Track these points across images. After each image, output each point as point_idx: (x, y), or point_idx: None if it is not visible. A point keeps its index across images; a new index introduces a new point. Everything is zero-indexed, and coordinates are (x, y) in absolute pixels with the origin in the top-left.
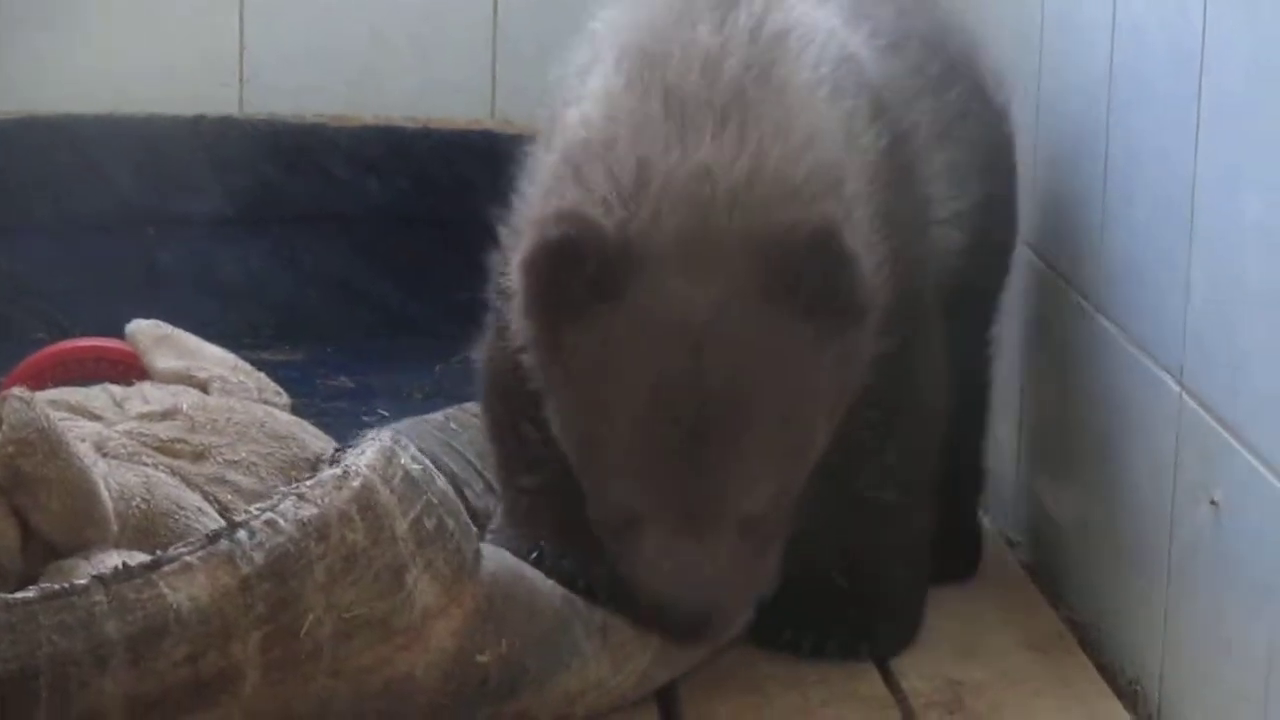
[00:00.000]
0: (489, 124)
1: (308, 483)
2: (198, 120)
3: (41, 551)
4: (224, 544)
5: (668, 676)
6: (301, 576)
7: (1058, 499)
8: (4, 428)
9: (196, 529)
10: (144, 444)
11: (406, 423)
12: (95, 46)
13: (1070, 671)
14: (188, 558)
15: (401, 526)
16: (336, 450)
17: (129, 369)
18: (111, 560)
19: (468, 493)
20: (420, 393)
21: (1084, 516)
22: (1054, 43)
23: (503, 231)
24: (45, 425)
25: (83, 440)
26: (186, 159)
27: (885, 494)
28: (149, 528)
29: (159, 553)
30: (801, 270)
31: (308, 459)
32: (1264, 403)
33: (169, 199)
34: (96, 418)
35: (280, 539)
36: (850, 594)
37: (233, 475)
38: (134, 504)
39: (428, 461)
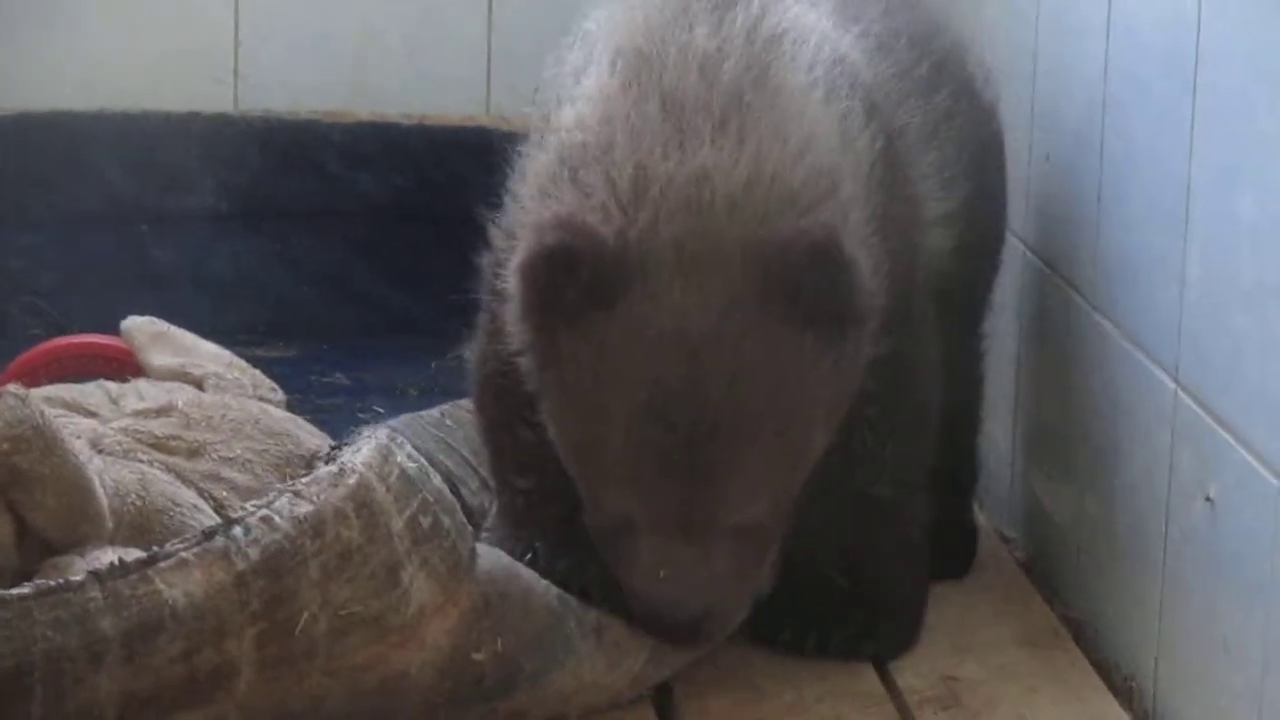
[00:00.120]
0: (484, 120)
1: (304, 480)
2: (192, 117)
3: (37, 548)
4: (219, 540)
5: (662, 675)
6: (297, 573)
7: (1053, 496)
8: None
9: (191, 526)
10: (139, 441)
11: (402, 419)
12: (90, 43)
13: (1065, 668)
14: (183, 554)
15: (397, 524)
16: (332, 448)
17: (124, 366)
18: (107, 557)
19: (463, 490)
20: (415, 389)
21: (1079, 513)
22: (1049, 43)
23: (495, 232)
24: (40, 422)
25: (78, 437)
26: (181, 155)
27: (882, 490)
28: (144, 524)
29: (154, 549)
30: (802, 281)
31: (302, 456)
32: (1259, 399)
33: (163, 195)
34: (92, 414)
35: (276, 536)
36: (852, 593)
37: (228, 472)
38: (129, 501)
39: (423, 460)
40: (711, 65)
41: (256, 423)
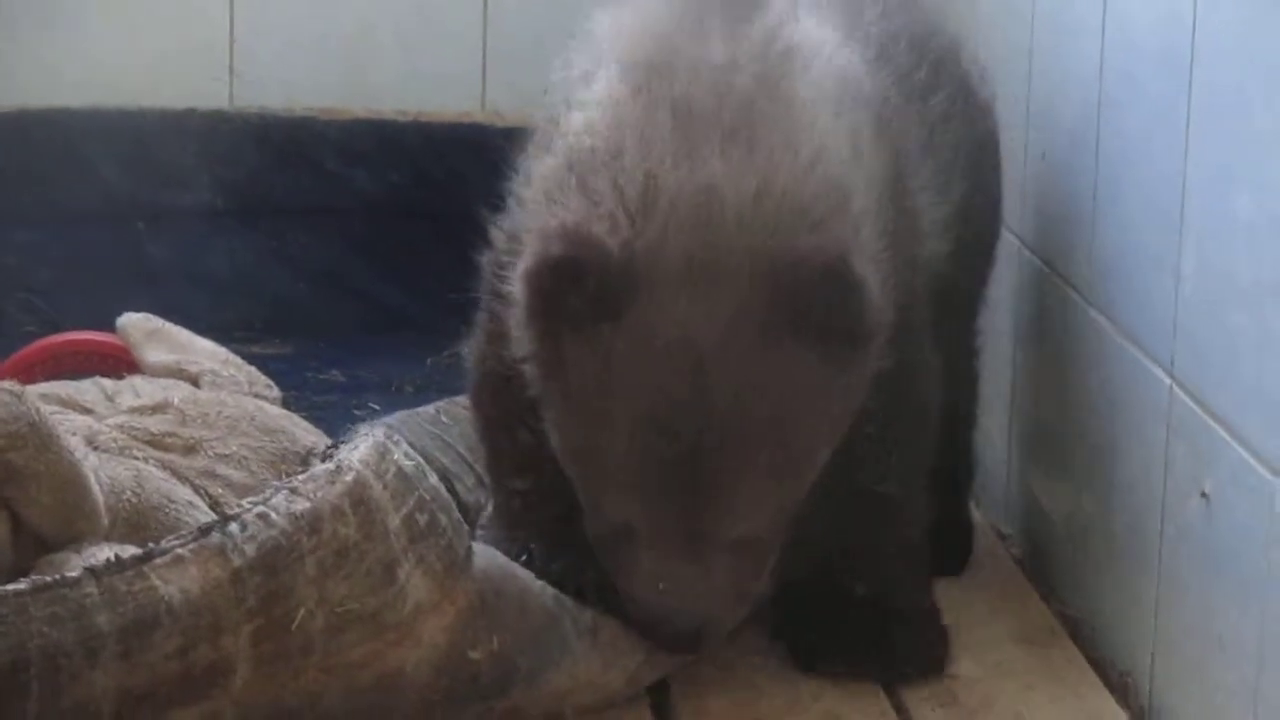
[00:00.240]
0: (479, 117)
1: (300, 477)
2: (188, 114)
3: (32, 545)
4: (216, 537)
5: (658, 675)
6: (293, 570)
7: (1049, 493)
8: None
9: (187, 522)
10: (135, 438)
11: (398, 416)
12: (85, 40)
13: (1062, 664)
14: (179, 550)
15: (394, 522)
16: (329, 446)
17: (120, 363)
18: (102, 553)
19: (459, 487)
20: (411, 386)
21: (1075, 509)
22: (1044, 42)
23: (497, 233)
24: (36, 419)
25: (73, 434)
26: (176, 152)
27: (888, 488)
28: (139, 521)
29: (150, 545)
30: (813, 299)
31: (298, 452)
32: (1254, 395)
33: (159, 192)
34: (87, 411)
35: (272, 532)
36: (886, 616)
37: (223, 469)
38: (124, 497)
39: (420, 458)
40: (724, 76)
41: (252, 419)
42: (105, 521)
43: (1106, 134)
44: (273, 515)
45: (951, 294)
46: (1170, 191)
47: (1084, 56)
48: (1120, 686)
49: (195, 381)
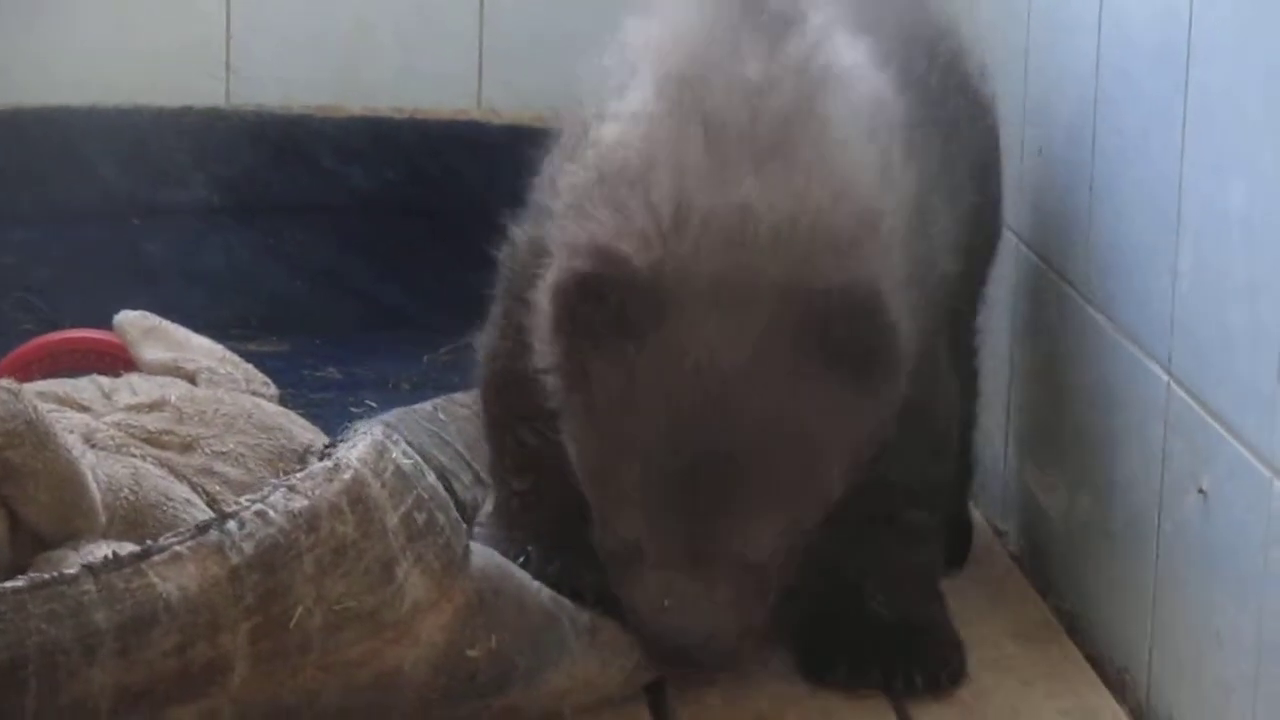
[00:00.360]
0: (475, 114)
1: (298, 474)
2: (184, 111)
3: (29, 543)
4: (214, 534)
5: (655, 675)
6: (291, 568)
7: (1046, 489)
8: None
9: (184, 520)
10: (132, 435)
11: (395, 414)
12: (81, 38)
13: (1059, 661)
14: (177, 547)
15: (392, 520)
16: (327, 444)
17: (117, 360)
18: (100, 551)
19: (456, 485)
20: (408, 383)
21: (1072, 506)
22: (1041, 39)
23: (520, 235)
24: (33, 417)
25: (70, 431)
26: (173, 150)
27: (910, 516)
28: (137, 519)
29: (148, 543)
30: (844, 331)
31: (295, 450)
32: (1251, 391)
33: (155, 190)
34: (84, 409)
35: (270, 530)
36: (900, 630)
37: (220, 466)
38: (122, 495)
39: (418, 456)
40: (760, 94)
41: (249, 417)
42: (103, 519)
43: (1103, 131)
44: (271, 513)
45: (955, 296)
46: (1167, 188)
47: (1080, 53)
48: (1118, 683)
49: (192, 379)
